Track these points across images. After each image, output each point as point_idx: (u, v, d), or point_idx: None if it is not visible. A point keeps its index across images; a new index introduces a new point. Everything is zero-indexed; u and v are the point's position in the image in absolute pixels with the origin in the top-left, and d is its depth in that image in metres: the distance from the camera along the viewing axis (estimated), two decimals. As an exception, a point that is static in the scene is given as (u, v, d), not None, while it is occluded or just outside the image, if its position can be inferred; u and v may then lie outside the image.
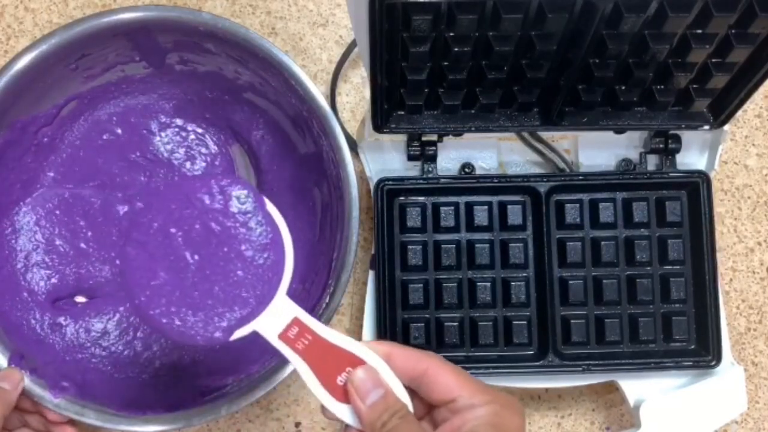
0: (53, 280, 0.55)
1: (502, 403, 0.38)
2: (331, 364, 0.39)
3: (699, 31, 0.45)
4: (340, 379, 0.39)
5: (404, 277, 0.55)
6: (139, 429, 0.49)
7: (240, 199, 0.41)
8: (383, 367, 0.39)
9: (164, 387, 0.53)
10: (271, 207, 0.41)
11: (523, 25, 0.44)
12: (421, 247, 0.55)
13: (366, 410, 0.37)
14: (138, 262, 0.40)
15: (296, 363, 0.39)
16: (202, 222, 0.40)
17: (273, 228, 0.40)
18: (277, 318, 0.40)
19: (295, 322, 0.40)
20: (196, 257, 0.40)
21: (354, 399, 0.38)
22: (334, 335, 0.39)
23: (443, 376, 0.38)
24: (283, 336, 0.39)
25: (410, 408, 0.39)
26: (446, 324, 0.55)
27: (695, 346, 0.55)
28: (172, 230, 0.40)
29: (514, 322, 0.55)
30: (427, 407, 0.40)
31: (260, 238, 0.40)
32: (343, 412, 0.39)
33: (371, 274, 0.55)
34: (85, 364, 0.53)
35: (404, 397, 0.38)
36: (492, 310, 0.55)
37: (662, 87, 0.50)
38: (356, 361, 0.39)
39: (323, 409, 0.40)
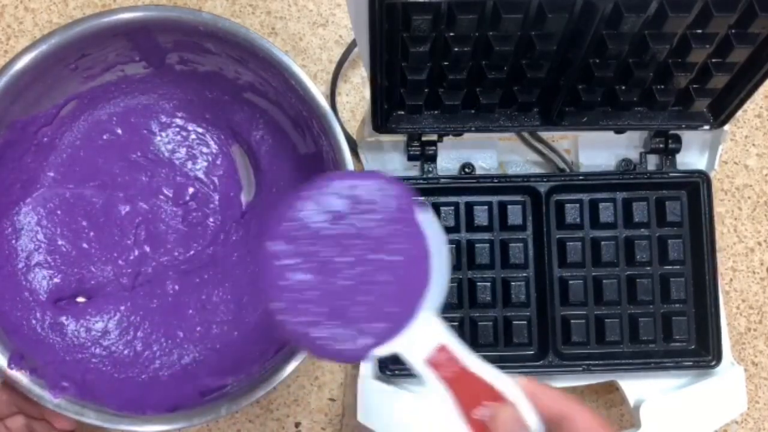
0: (56, 280, 0.55)
1: None
2: (470, 395, 0.36)
3: (699, 31, 0.45)
4: (476, 413, 0.36)
5: (404, 277, 0.55)
6: (140, 429, 0.49)
7: (395, 202, 0.36)
8: (526, 405, 0.36)
9: (164, 387, 0.53)
10: (426, 216, 0.37)
11: (523, 25, 0.44)
12: (421, 247, 0.55)
13: None
14: (280, 263, 0.36)
15: (439, 391, 0.36)
16: (350, 224, 0.36)
17: (424, 238, 0.36)
18: (423, 340, 0.36)
19: (442, 348, 0.36)
20: (343, 262, 0.36)
21: None
22: (481, 367, 0.36)
23: (586, 422, 0.36)
24: (429, 361, 0.36)
25: None
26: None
27: (695, 346, 0.55)
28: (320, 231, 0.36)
29: (514, 322, 0.55)
30: None
31: (411, 248, 0.36)
32: None
33: (371, 274, 0.55)
34: (86, 363, 0.53)
35: None
36: (492, 310, 0.55)
37: (662, 87, 0.50)
38: (495, 395, 0.36)
39: None
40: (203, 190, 0.58)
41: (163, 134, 0.58)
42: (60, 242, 0.55)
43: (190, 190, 0.58)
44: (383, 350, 0.36)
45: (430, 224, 0.37)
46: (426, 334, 0.36)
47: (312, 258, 0.36)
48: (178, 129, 0.58)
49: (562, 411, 0.36)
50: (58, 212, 0.56)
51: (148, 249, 0.57)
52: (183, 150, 0.58)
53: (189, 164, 0.58)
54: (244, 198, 0.59)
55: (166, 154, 0.58)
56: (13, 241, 0.54)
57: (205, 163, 0.58)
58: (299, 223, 0.36)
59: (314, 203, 0.36)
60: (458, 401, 0.36)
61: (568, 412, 0.36)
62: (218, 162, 0.58)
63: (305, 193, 0.37)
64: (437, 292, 0.36)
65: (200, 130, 0.58)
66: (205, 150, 0.58)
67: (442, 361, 0.36)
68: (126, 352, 0.55)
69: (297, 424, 0.58)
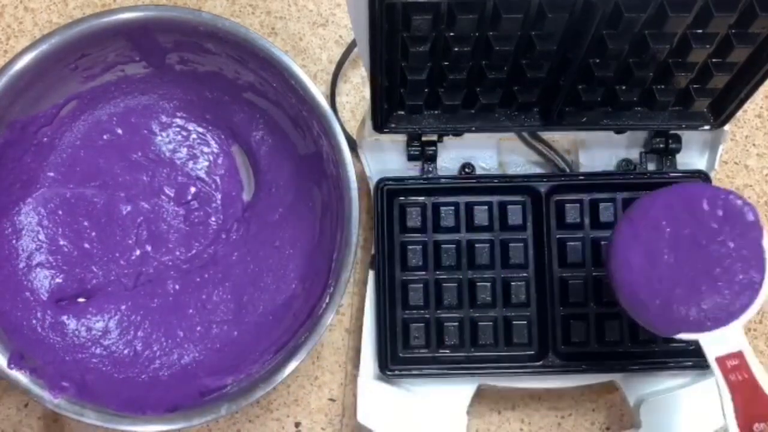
0: (57, 280, 0.55)
1: None
2: (754, 407, 0.39)
3: (699, 30, 0.45)
4: (757, 427, 0.39)
5: (404, 277, 0.55)
6: (140, 429, 0.49)
7: (736, 215, 0.42)
8: None
9: (164, 387, 0.53)
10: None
11: (523, 24, 0.44)
12: (421, 247, 0.55)
13: None
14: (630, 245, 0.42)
15: (723, 392, 0.40)
16: (692, 229, 0.42)
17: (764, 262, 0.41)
18: (724, 341, 0.41)
19: (738, 355, 0.41)
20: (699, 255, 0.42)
21: None
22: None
23: None
24: (720, 360, 0.41)
25: None
26: (446, 324, 0.55)
27: (695, 346, 0.55)
28: (664, 224, 0.42)
29: (514, 322, 0.55)
30: None
31: (746, 261, 0.41)
32: None
33: (371, 274, 0.55)
34: (86, 363, 0.53)
35: None
36: (492, 310, 0.55)
37: (662, 87, 0.50)
38: None
39: None
40: (205, 190, 0.58)
41: (164, 134, 0.58)
42: (61, 242, 0.55)
43: (192, 189, 0.58)
44: (692, 336, 0.42)
45: None
46: (731, 339, 0.41)
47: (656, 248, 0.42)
48: (178, 129, 0.58)
49: None
50: (59, 212, 0.56)
51: (149, 248, 0.57)
52: (184, 150, 0.58)
53: (190, 164, 0.58)
54: (245, 197, 0.59)
55: (167, 154, 0.58)
56: (14, 241, 0.54)
57: (207, 163, 0.58)
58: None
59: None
60: (737, 408, 0.40)
61: None
62: (219, 161, 0.58)
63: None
64: (755, 309, 0.41)
65: (201, 129, 0.58)
66: (206, 149, 0.58)
67: (732, 367, 0.41)
68: (126, 351, 0.55)
69: (297, 424, 0.58)
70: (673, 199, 0.43)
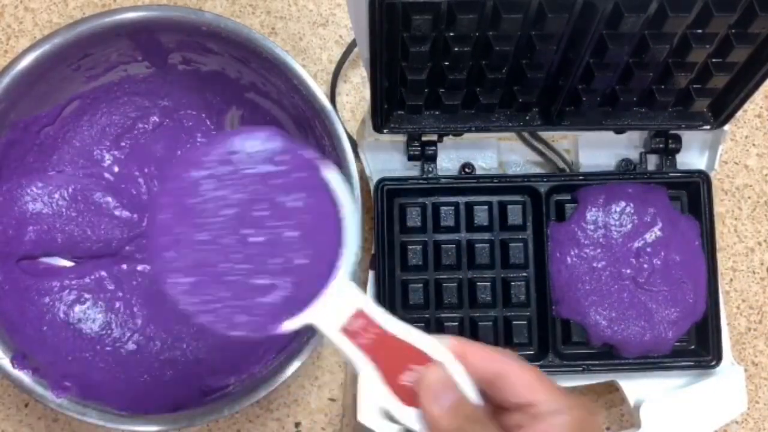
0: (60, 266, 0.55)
1: (589, 409, 0.35)
2: (395, 361, 0.33)
3: (699, 30, 0.45)
4: (403, 379, 0.34)
5: (404, 277, 0.55)
6: (142, 429, 0.49)
7: (281, 158, 0.33)
8: (455, 366, 0.33)
9: (166, 387, 0.54)
10: (333, 174, 0.34)
11: (523, 25, 0.44)
12: (421, 247, 0.55)
13: (439, 415, 0.33)
14: (160, 228, 0.33)
15: (358, 361, 0.34)
16: (236, 185, 0.33)
17: (327, 196, 0.34)
18: (337, 309, 0.33)
19: (359, 314, 0.33)
20: (228, 230, 0.33)
21: (425, 403, 0.33)
22: (402, 329, 0.34)
23: (521, 377, 0.33)
24: (345, 330, 0.33)
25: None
26: (446, 324, 0.55)
27: (695, 346, 0.55)
28: (193, 200, 0.33)
29: (514, 322, 0.55)
30: (493, 410, 0.35)
31: (318, 204, 0.33)
32: (408, 416, 0.33)
33: (371, 274, 0.55)
34: (88, 363, 0.53)
35: (477, 401, 0.34)
36: (492, 310, 0.55)
37: (662, 87, 0.50)
38: (423, 359, 0.33)
39: (381, 414, 0.34)
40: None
41: (166, 134, 0.58)
42: (59, 238, 0.55)
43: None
44: (293, 323, 0.33)
45: (336, 182, 0.34)
46: (341, 301, 0.33)
47: (194, 229, 0.33)
48: (180, 128, 0.58)
49: (495, 369, 0.34)
50: (63, 210, 0.56)
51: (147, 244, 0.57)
52: (186, 149, 0.58)
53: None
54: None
55: (170, 153, 0.58)
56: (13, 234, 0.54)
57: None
58: (187, 186, 0.33)
59: (202, 167, 0.33)
60: (382, 370, 0.33)
61: (501, 370, 0.34)
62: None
63: (191, 156, 0.34)
64: (350, 254, 0.34)
65: (203, 129, 0.58)
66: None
67: (360, 329, 0.33)
68: (129, 346, 0.55)
69: (297, 424, 0.58)
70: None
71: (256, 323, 0.33)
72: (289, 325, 0.33)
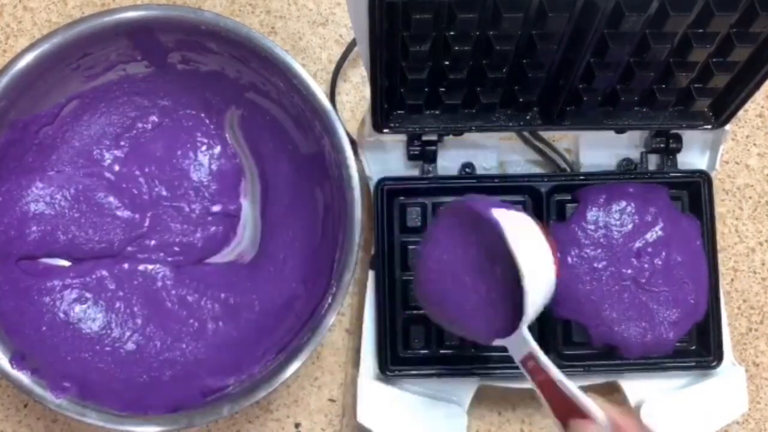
0: (58, 266, 0.55)
1: None
2: (565, 405, 0.40)
3: (700, 30, 0.45)
4: (569, 422, 0.40)
5: (404, 277, 0.55)
6: (141, 429, 0.49)
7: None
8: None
9: (166, 387, 0.53)
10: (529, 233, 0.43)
11: (523, 24, 0.44)
12: (421, 247, 0.55)
13: None
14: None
15: (535, 389, 0.42)
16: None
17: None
18: (520, 345, 0.43)
19: (531, 356, 0.42)
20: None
21: None
22: (564, 382, 0.41)
23: None
24: (523, 362, 0.43)
25: None
26: (447, 324, 0.55)
27: (696, 346, 0.55)
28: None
29: (515, 322, 0.55)
30: None
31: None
32: None
33: (371, 274, 0.55)
34: (87, 363, 0.53)
35: None
36: (492, 310, 0.55)
37: (663, 86, 0.50)
38: (583, 413, 0.39)
39: None
40: (206, 188, 0.58)
41: (165, 133, 0.58)
42: (62, 238, 0.55)
43: (192, 187, 0.58)
44: (498, 342, 0.44)
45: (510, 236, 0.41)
46: (522, 342, 0.42)
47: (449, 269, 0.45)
48: (180, 128, 0.58)
49: None
50: (65, 211, 0.56)
51: (147, 242, 0.57)
52: (185, 149, 0.58)
53: (191, 162, 0.58)
54: (246, 197, 0.59)
55: (169, 153, 0.58)
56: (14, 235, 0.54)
57: (208, 161, 0.58)
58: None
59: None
60: (555, 406, 0.41)
61: None
62: (221, 160, 0.58)
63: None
64: (528, 311, 0.41)
65: (202, 128, 0.58)
66: (207, 149, 0.58)
67: (534, 368, 0.42)
68: (128, 346, 0.55)
69: (297, 425, 0.58)
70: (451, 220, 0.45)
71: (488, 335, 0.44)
72: (496, 342, 0.44)
